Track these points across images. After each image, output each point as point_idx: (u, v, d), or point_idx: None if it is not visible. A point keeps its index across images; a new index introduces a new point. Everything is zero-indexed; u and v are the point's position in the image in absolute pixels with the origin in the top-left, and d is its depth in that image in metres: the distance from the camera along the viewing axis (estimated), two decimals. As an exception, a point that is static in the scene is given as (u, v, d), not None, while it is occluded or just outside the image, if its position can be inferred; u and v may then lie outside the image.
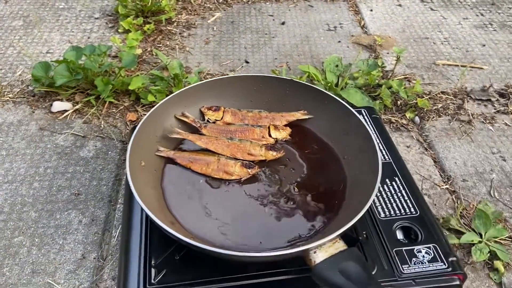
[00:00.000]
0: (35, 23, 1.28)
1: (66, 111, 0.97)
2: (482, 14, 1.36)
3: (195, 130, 0.73)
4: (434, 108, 1.00)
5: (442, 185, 0.84)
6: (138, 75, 1.04)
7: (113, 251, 0.73)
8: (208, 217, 0.62)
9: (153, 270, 0.57)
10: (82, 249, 0.73)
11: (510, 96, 1.04)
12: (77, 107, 0.98)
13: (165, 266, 0.58)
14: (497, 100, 1.03)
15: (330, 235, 0.51)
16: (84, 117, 0.96)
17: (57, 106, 0.97)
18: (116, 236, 0.75)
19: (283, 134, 0.73)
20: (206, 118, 0.75)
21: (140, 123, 0.67)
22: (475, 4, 1.41)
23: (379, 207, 0.66)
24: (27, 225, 0.76)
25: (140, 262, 0.58)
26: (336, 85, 1.05)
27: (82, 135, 0.93)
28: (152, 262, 0.58)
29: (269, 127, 0.73)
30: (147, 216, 0.64)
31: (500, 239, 0.74)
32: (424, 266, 0.59)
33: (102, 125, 0.95)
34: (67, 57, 0.97)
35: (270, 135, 0.72)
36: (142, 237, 0.62)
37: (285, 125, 0.75)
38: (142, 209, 0.65)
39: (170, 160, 0.69)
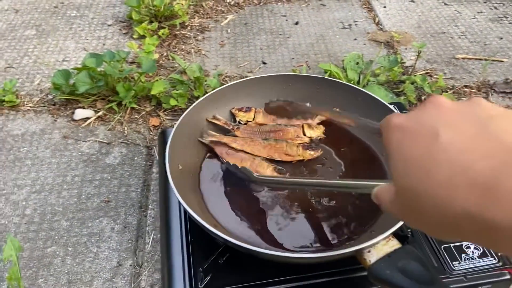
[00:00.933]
0: (48, 32, 1.27)
1: (88, 118, 0.96)
2: (496, 8, 1.35)
3: (226, 133, 0.72)
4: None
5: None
6: (157, 80, 1.03)
7: (148, 258, 0.72)
8: (249, 220, 0.61)
9: (198, 275, 0.56)
10: (117, 257, 0.72)
11: (534, 87, 1.03)
12: (99, 114, 0.97)
13: (211, 270, 0.57)
14: (521, 92, 1.02)
15: (383, 233, 0.50)
16: (107, 124, 0.95)
17: (79, 113, 0.96)
18: (150, 243, 0.74)
19: (317, 132, 0.72)
20: (237, 119, 0.74)
21: (175, 126, 0.66)
22: (488, -2, 1.40)
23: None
24: (59, 234, 0.75)
25: (184, 267, 0.57)
26: (358, 82, 1.04)
27: (107, 142, 0.92)
28: (198, 266, 0.57)
29: (303, 126, 0.72)
30: (186, 220, 0.63)
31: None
32: (475, 261, 0.57)
33: (125, 131, 0.94)
34: (87, 64, 0.96)
35: (304, 134, 0.71)
36: (183, 242, 0.61)
37: (318, 124, 0.74)
38: (180, 213, 0.64)
39: (206, 163, 0.68)
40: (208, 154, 0.70)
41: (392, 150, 0.29)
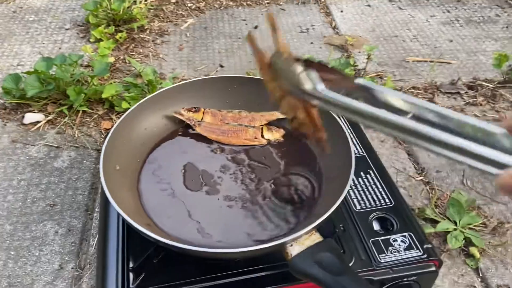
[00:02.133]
0: (4, 37, 1.26)
1: (38, 122, 0.96)
2: (448, 11, 1.40)
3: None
4: (405, 102, 1.02)
5: (417, 177, 0.86)
6: (111, 83, 1.03)
7: (91, 260, 0.72)
8: (185, 218, 0.61)
9: (131, 274, 0.57)
10: (59, 260, 0.72)
11: (478, 88, 1.07)
12: (49, 117, 0.97)
13: (144, 270, 0.57)
14: (466, 92, 1.06)
15: (305, 228, 0.52)
16: (57, 128, 0.95)
17: (29, 117, 0.95)
18: (94, 245, 0.74)
19: (276, 135, 0.73)
20: (184, 119, 0.75)
21: (114, 126, 0.66)
22: (441, 2, 1.45)
23: (355, 200, 0.67)
24: (2, 238, 0.74)
25: (118, 267, 0.58)
26: (310, 84, 1.06)
27: (56, 145, 0.91)
28: (130, 266, 0.58)
29: (262, 128, 0.73)
30: (123, 220, 0.63)
31: (474, 226, 0.76)
32: (400, 254, 0.59)
33: (76, 135, 0.94)
34: (37, 68, 0.96)
35: (263, 136, 0.72)
36: (119, 242, 0.61)
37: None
38: (118, 214, 0.65)
39: (147, 162, 0.69)
40: (149, 156, 0.71)
41: None
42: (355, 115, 0.41)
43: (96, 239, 0.74)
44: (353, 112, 0.41)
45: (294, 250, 0.51)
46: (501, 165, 0.29)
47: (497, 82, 1.08)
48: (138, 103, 0.71)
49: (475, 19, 1.36)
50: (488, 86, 1.07)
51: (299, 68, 0.45)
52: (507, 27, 1.32)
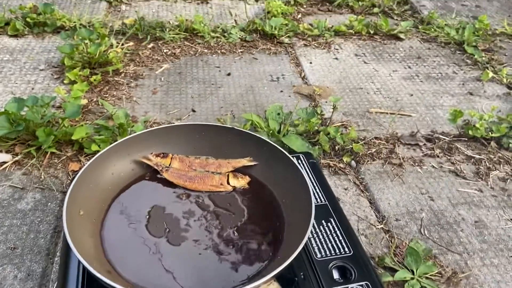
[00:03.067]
0: (-24, 74, 1.26)
1: (5, 162, 0.95)
2: (409, 67, 1.50)
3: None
4: (368, 152, 1.07)
5: (378, 225, 0.89)
6: (82, 125, 1.04)
7: (49, 307, 0.71)
8: (147, 265, 0.62)
9: (88, 323, 0.56)
10: (15, 307, 0.70)
11: (436, 141, 1.13)
12: (17, 158, 0.96)
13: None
14: (424, 144, 1.12)
15: (264, 277, 0.53)
16: (24, 169, 0.95)
17: (-4, 157, 0.95)
18: (53, 291, 0.73)
19: (242, 182, 0.75)
20: (152, 164, 0.77)
21: (81, 171, 0.67)
22: (403, 58, 1.55)
23: (316, 248, 0.69)
24: (-45, 283, 0.72)
25: (76, 316, 0.57)
26: (279, 132, 1.10)
27: (21, 187, 0.91)
28: (88, 315, 0.57)
29: (228, 175, 0.75)
30: (84, 267, 0.63)
31: (430, 275, 0.78)
32: (358, 303, 0.61)
33: (42, 176, 0.93)
34: (8, 108, 0.97)
35: (228, 183, 0.75)
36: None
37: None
38: (79, 260, 0.64)
39: (112, 207, 0.69)
40: (114, 201, 0.71)
41: None
42: None
43: (55, 285, 0.73)
44: None
45: (252, 299, 0.52)
46: None
47: (453, 136, 1.15)
48: (106, 149, 0.73)
49: (433, 75, 1.45)
50: (445, 139, 1.14)
51: None
52: (463, 84, 1.41)
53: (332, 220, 0.74)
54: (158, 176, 0.76)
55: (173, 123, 1.15)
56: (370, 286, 0.64)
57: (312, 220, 0.62)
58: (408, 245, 0.84)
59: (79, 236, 0.59)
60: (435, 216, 0.92)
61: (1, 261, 0.76)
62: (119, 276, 0.59)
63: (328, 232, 0.72)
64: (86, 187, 0.68)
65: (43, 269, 0.76)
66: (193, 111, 1.23)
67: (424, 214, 0.92)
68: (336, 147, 1.08)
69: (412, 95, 1.34)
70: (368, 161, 1.05)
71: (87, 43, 1.29)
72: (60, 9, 1.66)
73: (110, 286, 0.52)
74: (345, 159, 1.05)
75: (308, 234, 0.60)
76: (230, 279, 0.61)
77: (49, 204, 0.88)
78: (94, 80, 1.25)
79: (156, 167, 0.76)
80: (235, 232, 0.68)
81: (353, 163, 1.04)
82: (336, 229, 0.72)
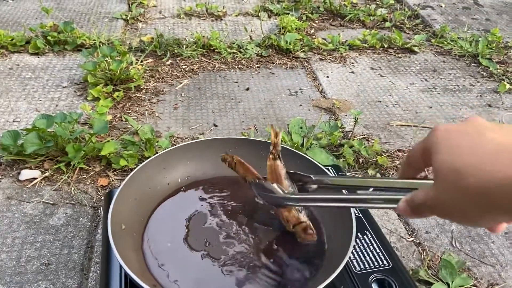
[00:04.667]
0: (1, 93, 1.28)
1: (34, 178, 0.96)
2: (426, 80, 1.51)
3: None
4: (393, 165, 1.08)
5: (408, 238, 0.89)
6: (109, 140, 1.05)
7: (86, 323, 0.70)
8: (189, 279, 0.62)
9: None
10: (54, 323, 0.70)
11: (459, 152, 1.14)
12: (46, 174, 0.97)
13: (149, 333, 0.56)
14: (448, 156, 1.12)
15: (312, 291, 0.53)
16: (54, 185, 0.95)
17: (26, 174, 0.96)
18: (90, 306, 0.72)
19: (308, 237, 0.66)
20: None
21: (121, 186, 0.68)
22: (419, 71, 1.56)
23: (354, 261, 0.69)
24: (-7, 300, 0.72)
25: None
26: (302, 145, 1.11)
27: (52, 202, 0.91)
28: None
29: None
30: (126, 281, 0.63)
31: (466, 287, 0.78)
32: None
33: (72, 192, 0.94)
34: (37, 125, 0.98)
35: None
36: (122, 304, 0.61)
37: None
38: (120, 275, 0.65)
39: (151, 221, 0.70)
40: (153, 214, 0.72)
41: (439, 142, 0.34)
42: (315, 202, 0.59)
43: (93, 300, 0.73)
44: (313, 201, 0.59)
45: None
46: (396, 200, 0.41)
47: (475, 147, 1.15)
48: (144, 163, 0.74)
49: (451, 88, 1.47)
50: (468, 150, 1.14)
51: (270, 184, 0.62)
52: (481, 95, 1.42)
53: (367, 232, 0.74)
54: (193, 190, 0.77)
55: (198, 138, 1.16)
56: (412, 298, 0.63)
57: (354, 234, 0.62)
58: (441, 257, 0.84)
59: (123, 251, 0.59)
60: (465, 228, 0.92)
61: (36, 277, 0.76)
62: (164, 290, 0.59)
63: (366, 245, 0.72)
64: (126, 201, 0.68)
65: (78, 285, 0.76)
66: (215, 125, 1.24)
67: (454, 226, 0.92)
68: (360, 160, 1.08)
69: (431, 107, 1.35)
70: (393, 173, 1.05)
71: (108, 60, 1.31)
72: (79, 27, 1.69)
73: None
74: (370, 171, 1.05)
75: (351, 248, 0.60)
76: (273, 292, 0.61)
77: (81, 219, 0.88)
78: (117, 96, 1.26)
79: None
80: (276, 245, 0.68)
81: (378, 175, 1.05)
82: (373, 242, 0.72)
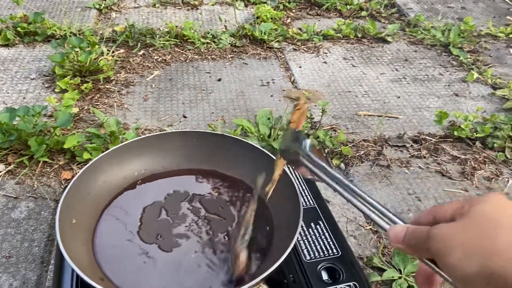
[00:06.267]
0: (-33, 84, 1.27)
1: (-2, 172, 0.96)
2: (397, 69, 1.52)
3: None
4: (357, 154, 1.09)
5: (366, 226, 0.91)
6: (74, 133, 1.05)
7: (44, 315, 0.72)
8: (139, 272, 0.63)
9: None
10: (10, 315, 0.71)
11: (422, 142, 1.16)
12: (9, 168, 0.97)
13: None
14: (411, 146, 1.14)
15: (253, 280, 0.55)
16: (17, 178, 0.95)
17: (-12, 167, 0.96)
18: (48, 298, 0.74)
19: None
20: None
21: (73, 180, 0.68)
22: (390, 61, 1.57)
23: (305, 250, 0.71)
24: (-50, 293, 0.73)
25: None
26: (269, 136, 1.12)
27: (14, 196, 0.92)
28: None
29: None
30: (77, 275, 0.64)
31: (418, 273, 0.80)
32: (346, 303, 0.63)
33: (35, 185, 0.94)
34: (0, 119, 0.97)
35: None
36: (73, 297, 0.62)
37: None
38: (72, 269, 0.66)
39: (104, 215, 0.71)
40: (106, 208, 0.72)
41: (448, 247, 0.31)
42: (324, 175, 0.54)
43: (49, 292, 0.74)
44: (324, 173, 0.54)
45: (242, 304, 0.53)
46: (391, 222, 0.39)
47: (439, 137, 1.18)
48: (98, 157, 0.74)
49: (420, 77, 1.48)
50: (431, 140, 1.16)
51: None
52: (449, 85, 1.44)
53: (320, 222, 0.76)
54: (149, 183, 0.78)
55: (165, 130, 1.16)
56: (357, 286, 0.65)
57: (301, 223, 0.64)
58: (396, 245, 0.86)
59: (72, 245, 0.60)
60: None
61: (-5, 270, 0.77)
62: (112, 283, 0.61)
63: (317, 235, 0.73)
64: (79, 195, 0.69)
65: (38, 277, 0.77)
66: (184, 117, 1.24)
67: (412, 214, 0.94)
68: (326, 150, 1.10)
69: (399, 97, 1.37)
70: (357, 163, 1.07)
71: (77, 51, 1.30)
72: (50, 17, 1.67)
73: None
74: (334, 161, 1.07)
75: (297, 236, 0.61)
76: (218, 283, 0.62)
77: (43, 212, 0.89)
78: (85, 88, 1.26)
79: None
80: (226, 237, 0.70)
81: (342, 165, 1.06)
82: (325, 231, 0.74)
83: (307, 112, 1.23)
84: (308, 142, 0.60)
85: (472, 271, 0.29)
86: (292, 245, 0.60)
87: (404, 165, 1.08)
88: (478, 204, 0.32)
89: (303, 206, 0.67)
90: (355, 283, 0.66)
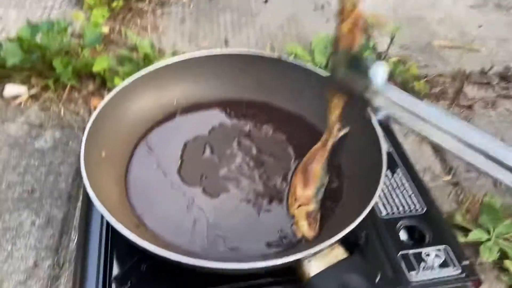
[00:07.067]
0: (-12, -1, 1.14)
1: (20, 96, 0.85)
2: (477, -7, 1.28)
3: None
4: (432, 92, 0.92)
5: (444, 177, 0.76)
6: (104, 56, 0.92)
7: (71, 257, 0.63)
8: (182, 220, 0.52)
9: (113, 285, 0.47)
10: (35, 256, 0.62)
11: (511, 79, 0.96)
12: (33, 91, 0.86)
13: (129, 280, 0.48)
14: (498, 83, 0.95)
15: (329, 240, 0.42)
16: (41, 103, 0.85)
17: (10, 90, 0.85)
18: (75, 239, 0.65)
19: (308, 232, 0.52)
20: None
21: (101, 105, 0.56)
22: (468, -16, 1.33)
23: (380, 204, 0.57)
24: (-31, 228, 0.65)
25: (99, 276, 0.48)
26: (326, 67, 0.95)
27: (39, 123, 0.81)
28: (113, 274, 0.48)
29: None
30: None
31: (510, 236, 0.66)
32: (435, 272, 0.50)
33: (62, 113, 0.84)
34: (21, 34, 0.85)
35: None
36: (102, 243, 0.52)
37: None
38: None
39: (139, 148, 0.59)
40: (142, 141, 0.60)
41: None
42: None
43: (76, 235, 0.65)
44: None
45: (312, 268, 0.42)
46: None
47: (532, 73, 0.98)
48: (130, 79, 0.61)
49: (505, 4, 1.24)
50: (522, 77, 0.97)
51: None
52: (540, 13, 1.20)
53: (399, 170, 0.62)
54: (191, 113, 0.65)
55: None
56: (449, 251, 0.52)
57: (384, 172, 0.50)
58: (482, 200, 0.71)
59: (101, 183, 0.49)
60: (513, 168, 0.78)
61: (17, 205, 0.68)
62: (150, 232, 0.50)
63: (395, 186, 0.60)
64: (108, 124, 0.57)
65: (64, 215, 0.68)
66: (226, 42, 1.09)
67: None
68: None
69: (480, 26, 1.15)
70: (432, 101, 0.90)
71: (107, -37, 1.14)
72: None
73: (140, 247, 0.42)
74: (403, 99, 0.90)
75: (379, 190, 0.48)
76: (278, 238, 0.50)
77: (70, 143, 0.78)
78: (116, 6, 1.11)
79: None
80: (283, 182, 0.57)
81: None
82: (405, 182, 0.60)
83: (367, 28, 1.05)
84: (381, 68, 0.45)
85: None
86: (374, 200, 0.47)
87: (489, 106, 0.90)
88: None
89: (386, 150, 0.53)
90: (447, 247, 0.53)
